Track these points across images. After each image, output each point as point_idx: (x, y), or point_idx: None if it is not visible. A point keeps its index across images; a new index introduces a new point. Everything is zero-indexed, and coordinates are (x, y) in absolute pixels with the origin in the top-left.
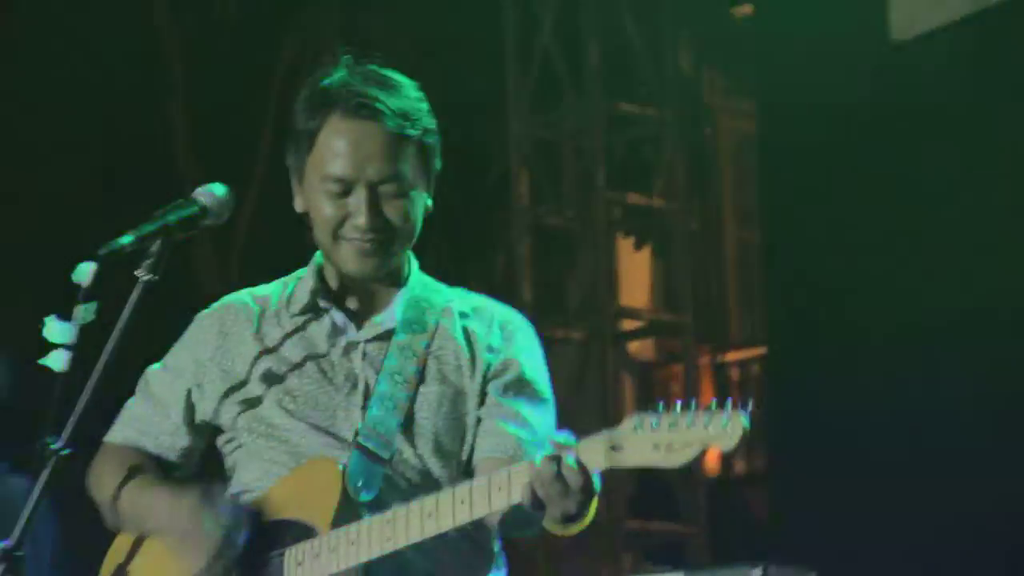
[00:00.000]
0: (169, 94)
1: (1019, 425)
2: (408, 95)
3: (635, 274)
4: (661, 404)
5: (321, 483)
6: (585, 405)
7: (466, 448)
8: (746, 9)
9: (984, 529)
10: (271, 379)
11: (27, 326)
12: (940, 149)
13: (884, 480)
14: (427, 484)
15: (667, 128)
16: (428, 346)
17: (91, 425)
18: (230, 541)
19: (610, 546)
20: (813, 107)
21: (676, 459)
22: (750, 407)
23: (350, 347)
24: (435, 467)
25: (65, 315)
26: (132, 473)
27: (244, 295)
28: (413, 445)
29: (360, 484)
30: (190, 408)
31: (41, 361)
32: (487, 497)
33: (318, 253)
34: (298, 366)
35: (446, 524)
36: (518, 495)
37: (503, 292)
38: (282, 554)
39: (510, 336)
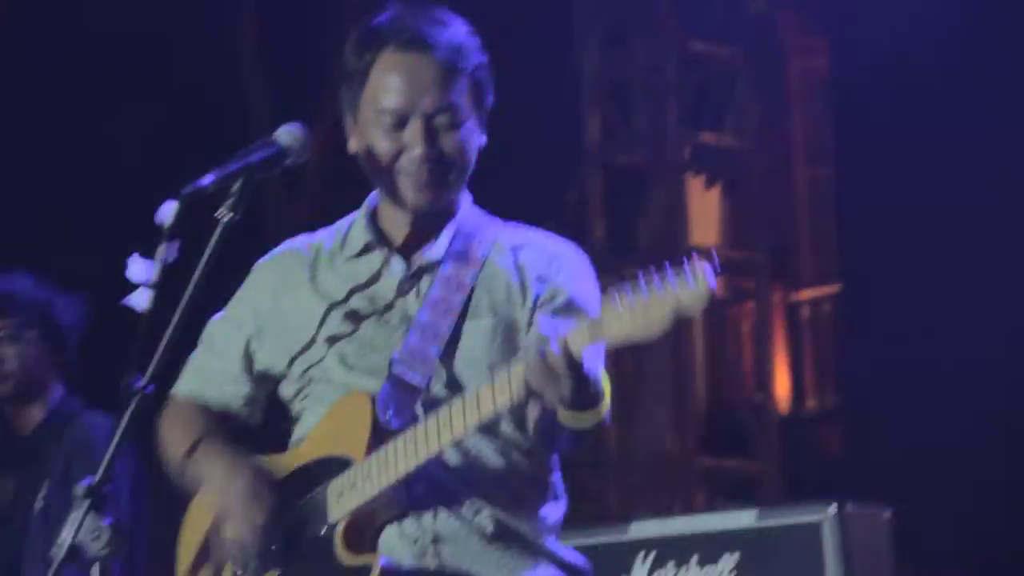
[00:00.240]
0: (240, 34)
1: None
2: (459, 29)
3: (706, 213)
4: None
5: (353, 416)
6: (655, 345)
7: None
8: None
9: None
10: (330, 327)
11: (111, 266)
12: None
13: (958, 417)
14: None
15: (739, 66)
16: (475, 278)
17: (174, 364)
18: (266, 539)
19: (683, 483)
20: (886, 43)
21: (652, 326)
22: (716, 261)
23: (403, 285)
24: None
25: (148, 254)
26: (195, 445)
27: (298, 242)
28: (456, 374)
29: (390, 412)
30: (249, 357)
31: (124, 300)
32: (491, 398)
33: (371, 195)
34: (354, 311)
35: (459, 429)
36: (517, 392)
37: (573, 231)
38: (325, 489)
39: (560, 267)
